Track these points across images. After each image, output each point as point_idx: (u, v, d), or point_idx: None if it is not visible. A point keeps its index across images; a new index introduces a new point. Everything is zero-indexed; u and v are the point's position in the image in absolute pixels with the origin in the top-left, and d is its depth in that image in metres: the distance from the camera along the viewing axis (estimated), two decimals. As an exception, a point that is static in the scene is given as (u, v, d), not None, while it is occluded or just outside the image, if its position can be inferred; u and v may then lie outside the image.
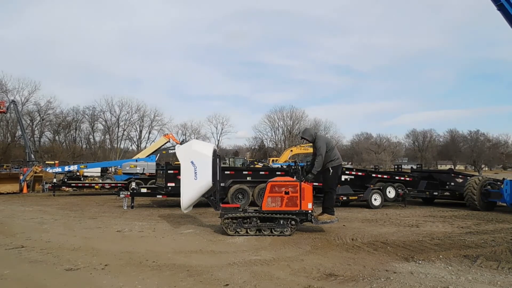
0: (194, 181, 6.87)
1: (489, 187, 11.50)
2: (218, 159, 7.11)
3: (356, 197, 11.81)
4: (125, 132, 65.43)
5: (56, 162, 31.07)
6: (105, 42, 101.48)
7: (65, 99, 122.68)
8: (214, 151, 7.15)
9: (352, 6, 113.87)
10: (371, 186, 12.26)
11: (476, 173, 32.74)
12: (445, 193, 12.94)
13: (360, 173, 13.30)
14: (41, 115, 55.17)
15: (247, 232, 6.76)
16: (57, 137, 59.31)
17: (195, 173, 6.85)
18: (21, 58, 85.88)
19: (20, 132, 40.24)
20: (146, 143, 62.80)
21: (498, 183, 11.73)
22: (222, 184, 9.06)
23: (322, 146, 7.23)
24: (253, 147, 78.53)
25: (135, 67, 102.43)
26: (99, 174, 21.51)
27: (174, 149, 26.89)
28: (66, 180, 17.47)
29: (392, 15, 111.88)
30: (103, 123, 63.66)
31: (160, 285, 4.04)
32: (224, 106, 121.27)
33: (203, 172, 6.86)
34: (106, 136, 64.51)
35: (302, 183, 6.86)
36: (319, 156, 7.18)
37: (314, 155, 7.45)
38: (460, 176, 13.79)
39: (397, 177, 13.38)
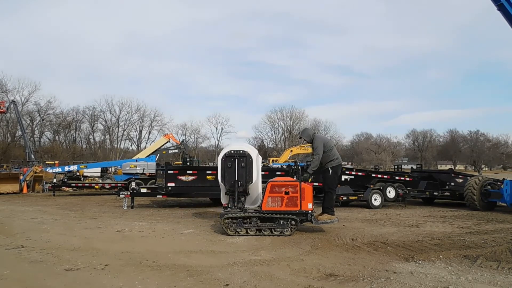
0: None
1: (489, 187, 11.48)
2: (236, 160, 7.29)
3: (356, 197, 11.80)
4: (125, 132, 65.54)
5: (56, 162, 31.07)
6: (106, 42, 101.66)
7: (65, 99, 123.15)
8: (225, 153, 7.33)
9: (352, 6, 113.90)
10: (371, 186, 12.25)
11: (476, 173, 32.73)
12: (445, 193, 12.91)
13: (360, 173, 13.29)
14: (41, 115, 55.28)
15: (247, 232, 6.76)
16: (57, 137, 59.39)
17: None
18: (21, 58, 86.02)
19: (20, 132, 40.22)
20: (146, 143, 62.88)
21: (498, 183, 11.71)
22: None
23: (319, 146, 7.35)
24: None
25: (135, 67, 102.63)
26: (99, 174, 21.50)
27: (174, 149, 27.11)
28: (66, 180, 17.46)
29: (393, 15, 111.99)
30: (103, 123, 63.81)
31: (160, 285, 4.04)
32: (224, 106, 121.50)
33: (218, 173, 7.47)
34: (106, 136, 64.60)
35: (302, 183, 6.87)
36: (315, 156, 7.34)
37: (313, 155, 7.53)
38: (460, 176, 13.77)
39: (397, 177, 13.36)
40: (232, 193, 7.22)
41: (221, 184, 7.39)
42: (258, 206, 7.18)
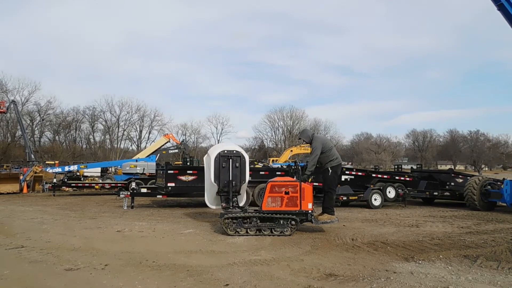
0: (207, 180, 7.65)
1: (489, 187, 11.48)
2: (230, 160, 7.33)
3: (356, 197, 11.80)
4: (125, 132, 65.51)
5: (56, 162, 31.08)
6: (106, 42, 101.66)
7: (65, 99, 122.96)
8: (219, 153, 7.35)
9: (352, 6, 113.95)
10: (371, 186, 12.25)
11: (476, 173, 32.73)
12: (445, 193, 12.91)
13: (360, 173, 13.30)
14: (41, 115, 55.29)
15: (247, 232, 6.76)
16: (57, 137, 59.42)
17: (208, 173, 7.61)
18: (21, 58, 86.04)
19: (20, 132, 40.25)
20: (146, 143, 62.85)
21: (498, 183, 11.71)
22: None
23: (316, 147, 7.36)
24: (253, 147, 78.40)
25: (135, 67, 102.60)
26: (99, 174, 21.49)
27: (174, 149, 27.11)
28: (66, 180, 17.46)
29: (393, 15, 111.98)
30: (103, 123, 63.80)
31: (160, 285, 4.04)
32: (224, 106, 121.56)
33: (208, 172, 7.54)
34: (106, 136, 64.59)
35: (302, 183, 6.87)
36: (312, 156, 7.34)
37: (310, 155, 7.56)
38: (460, 176, 13.77)
39: (397, 177, 13.37)
40: (226, 193, 7.25)
41: (214, 184, 7.36)
42: (257, 207, 7.20)
